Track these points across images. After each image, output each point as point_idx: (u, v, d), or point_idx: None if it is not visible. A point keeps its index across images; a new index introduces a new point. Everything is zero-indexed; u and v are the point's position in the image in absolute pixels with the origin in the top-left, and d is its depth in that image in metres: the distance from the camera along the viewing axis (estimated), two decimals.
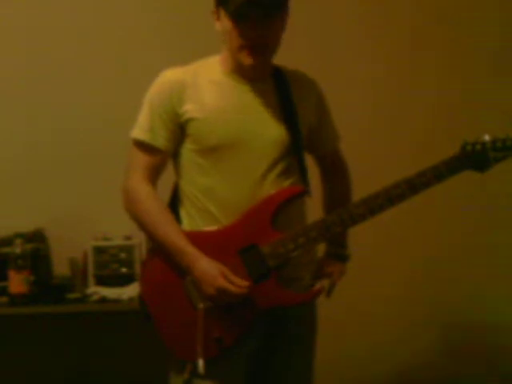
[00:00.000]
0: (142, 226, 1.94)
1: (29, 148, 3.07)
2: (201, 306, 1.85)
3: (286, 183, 1.94)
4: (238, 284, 1.81)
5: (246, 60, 1.85)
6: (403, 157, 3.00)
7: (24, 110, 3.08)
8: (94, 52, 3.09)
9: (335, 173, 2.16)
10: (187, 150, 1.94)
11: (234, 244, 1.87)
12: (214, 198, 1.91)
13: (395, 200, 1.87)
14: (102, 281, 2.85)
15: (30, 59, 3.08)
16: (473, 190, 3.12)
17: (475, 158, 1.86)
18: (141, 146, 1.94)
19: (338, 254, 2.10)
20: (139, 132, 1.94)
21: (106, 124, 2.99)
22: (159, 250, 1.93)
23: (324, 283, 2.05)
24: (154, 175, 1.94)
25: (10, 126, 3.08)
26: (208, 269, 1.83)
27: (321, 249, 2.09)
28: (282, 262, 1.87)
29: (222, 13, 1.85)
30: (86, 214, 3.03)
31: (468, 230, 3.19)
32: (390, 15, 3.20)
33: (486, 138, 1.86)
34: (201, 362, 1.81)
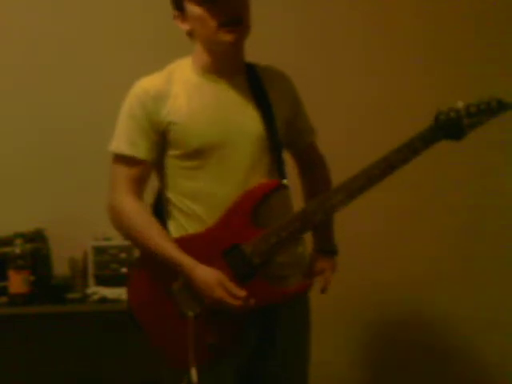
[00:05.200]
0: (133, 240, 1.94)
1: (29, 148, 3.07)
2: (190, 313, 1.84)
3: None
4: (235, 294, 1.80)
5: (227, 37, 1.84)
6: None
7: (24, 110, 3.08)
8: (94, 53, 3.09)
9: (313, 166, 2.15)
10: (170, 157, 1.93)
11: (218, 246, 1.87)
12: (201, 200, 1.90)
13: (374, 180, 1.84)
14: (102, 281, 2.85)
15: (30, 59, 3.08)
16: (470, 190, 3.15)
17: (450, 127, 1.82)
18: (122, 159, 1.92)
19: (326, 248, 2.07)
20: (119, 145, 1.92)
21: (106, 124, 2.97)
22: (143, 261, 1.94)
23: (316, 279, 2.04)
24: (138, 187, 1.92)
25: (10, 126, 3.08)
26: (207, 278, 1.82)
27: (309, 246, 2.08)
28: (266, 258, 1.86)
29: (189, 7, 1.86)
30: (86, 214, 3.02)
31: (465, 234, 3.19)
32: (386, 14, 3.20)
33: (460, 104, 1.82)
34: (193, 371, 1.80)
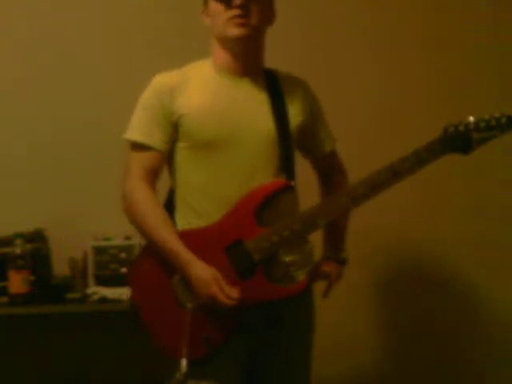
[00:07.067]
0: (139, 228, 1.96)
1: (29, 148, 3.07)
2: (189, 305, 1.85)
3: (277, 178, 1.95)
4: (228, 295, 1.82)
5: (232, 31, 1.89)
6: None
7: (24, 110, 3.08)
8: (94, 52, 3.08)
9: (333, 175, 2.17)
10: (181, 148, 1.97)
11: (221, 241, 1.89)
12: (209, 195, 1.93)
13: (379, 188, 1.86)
14: (102, 281, 2.85)
15: (29, 60, 3.08)
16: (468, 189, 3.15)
17: (457, 141, 1.83)
18: (136, 147, 1.97)
19: (336, 257, 2.10)
20: (134, 134, 1.97)
21: (106, 124, 2.99)
22: (148, 252, 1.96)
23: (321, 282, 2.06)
24: (151, 176, 1.96)
25: (11, 126, 3.08)
26: (202, 274, 1.84)
27: (318, 252, 2.10)
28: (267, 256, 1.88)
29: (210, 1, 1.93)
30: (86, 214, 3.02)
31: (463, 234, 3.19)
32: (390, 15, 3.19)
33: (471, 119, 1.82)
34: (184, 362, 1.80)
